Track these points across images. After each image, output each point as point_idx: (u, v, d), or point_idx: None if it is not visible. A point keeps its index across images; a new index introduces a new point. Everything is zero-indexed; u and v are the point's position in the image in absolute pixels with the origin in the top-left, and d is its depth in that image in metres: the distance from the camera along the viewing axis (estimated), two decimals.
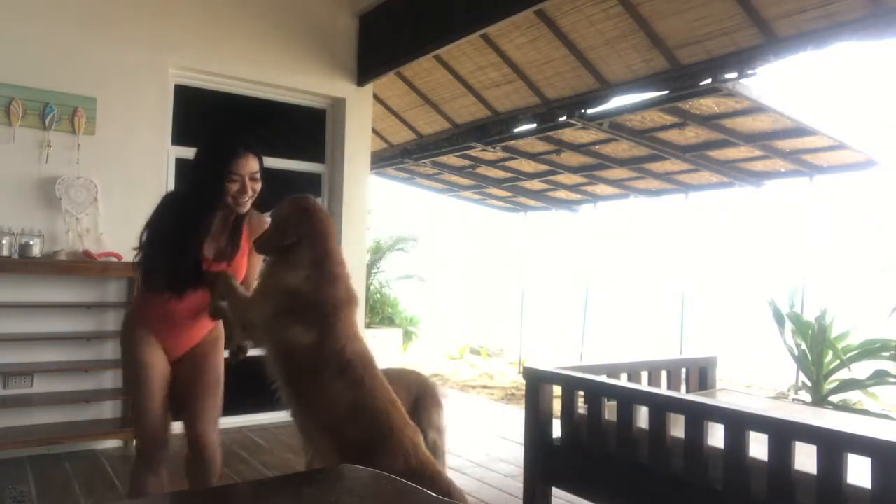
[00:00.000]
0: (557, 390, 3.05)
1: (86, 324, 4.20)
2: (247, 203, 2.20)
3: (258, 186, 2.20)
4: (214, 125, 4.74)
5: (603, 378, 2.98)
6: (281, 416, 4.65)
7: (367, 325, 8.49)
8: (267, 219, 2.39)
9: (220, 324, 2.39)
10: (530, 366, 3.20)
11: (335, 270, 2.00)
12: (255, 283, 2.21)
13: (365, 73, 5.25)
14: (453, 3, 4.38)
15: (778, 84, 4.84)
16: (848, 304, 6.09)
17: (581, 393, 2.99)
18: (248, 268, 2.33)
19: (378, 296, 10.36)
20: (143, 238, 2.19)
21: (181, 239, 2.12)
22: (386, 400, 1.96)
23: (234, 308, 2.09)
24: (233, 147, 2.14)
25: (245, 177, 2.14)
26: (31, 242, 3.90)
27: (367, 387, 1.93)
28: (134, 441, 2.34)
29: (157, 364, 2.25)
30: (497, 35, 5.16)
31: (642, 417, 2.69)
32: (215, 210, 2.19)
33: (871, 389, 5.36)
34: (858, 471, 2.03)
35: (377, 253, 10.38)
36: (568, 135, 6.33)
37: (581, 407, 2.99)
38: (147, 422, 2.22)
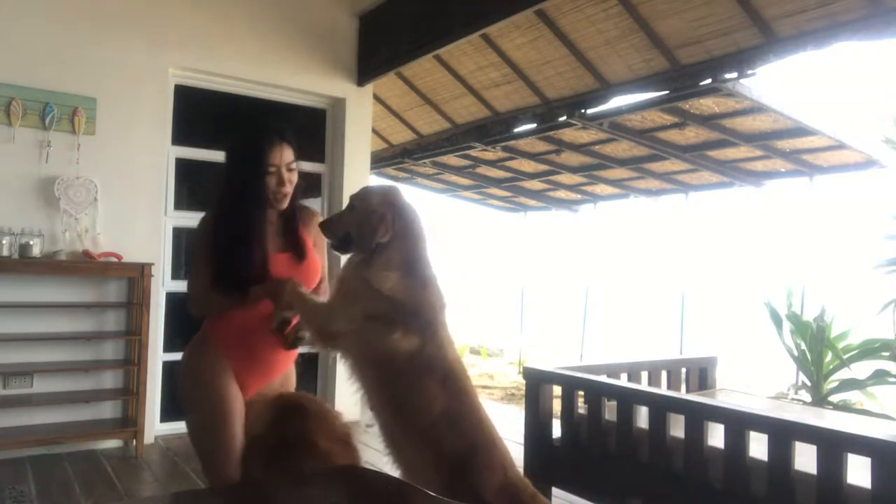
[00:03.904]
0: (557, 390, 3.05)
1: (86, 324, 4.20)
2: (286, 198, 2.03)
3: (295, 178, 2.04)
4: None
5: (603, 378, 2.99)
6: None
7: None
8: (317, 210, 2.24)
9: (292, 365, 2.18)
10: (530, 366, 3.21)
11: (428, 273, 1.85)
12: (330, 287, 2.01)
13: (365, 73, 5.25)
14: (453, 3, 4.38)
15: (778, 84, 4.84)
16: (848, 304, 6.10)
17: (581, 393, 3.00)
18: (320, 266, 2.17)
19: None
20: (194, 259, 2.03)
21: (242, 241, 1.97)
22: (483, 411, 1.84)
23: (310, 316, 1.90)
24: (266, 137, 2.00)
25: (281, 168, 1.99)
26: (31, 242, 3.90)
27: (470, 395, 1.81)
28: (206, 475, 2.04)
29: (238, 398, 2.00)
30: (497, 35, 5.16)
31: (642, 417, 2.70)
32: (264, 206, 2.03)
33: (870, 389, 5.36)
34: (858, 471, 2.03)
35: None
36: (568, 135, 6.32)
37: (581, 407, 2.99)
38: (227, 467, 1.92)
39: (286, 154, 2.01)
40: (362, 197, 1.92)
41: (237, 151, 2.07)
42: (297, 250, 2.08)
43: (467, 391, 1.82)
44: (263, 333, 2.02)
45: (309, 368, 5.15)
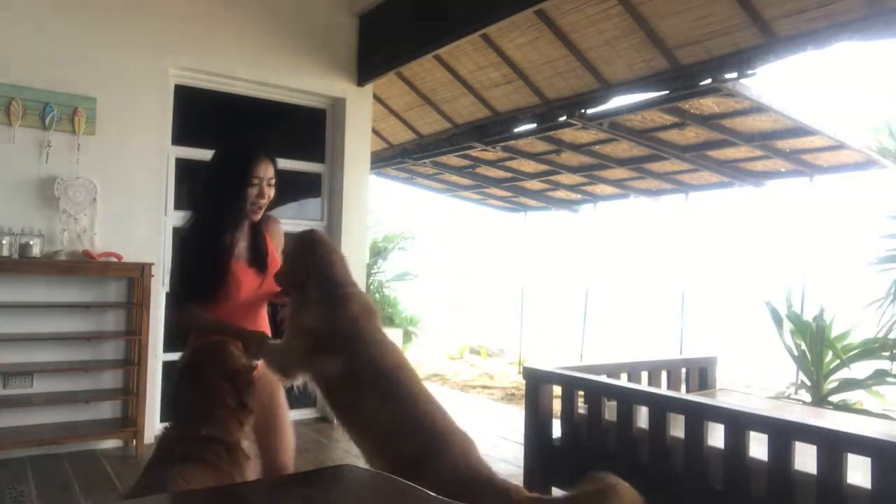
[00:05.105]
0: (557, 390, 3.05)
1: (86, 324, 4.20)
2: (261, 210, 2.19)
3: (272, 193, 2.20)
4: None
5: (603, 378, 2.98)
6: None
7: None
8: (277, 217, 2.39)
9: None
10: (530, 366, 3.21)
11: (343, 292, 2.00)
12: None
13: (365, 73, 5.25)
14: (453, 3, 4.38)
15: (778, 84, 4.84)
16: (848, 304, 6.10)
17: (581, 393, 3.00)
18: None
19: (378, 296, 10.37)
20: (176, 271, 2.20)
21: (214, 245, 2.11)
22: (428, 402, 1.90)
23: (271, 360, 2.08)
24: (253, 151, 2.16)
25: (263, 181, 2.15)
26: (31, 242, 3.90)
27: (403, 391, 1.87)
28: None
29: None
30: (497, 35, 5.15)
31: (642, 417, 2.70)
32: (242, 216, 2.17)
33: (871, 389, 5.36)
34: (858, 471, 2.03)
35: (377, 253, 10.38)
36: (568, 135, 6.32)
37: (581, 407, 2.99)
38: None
39: (269, 169, 2.17)
40: (288, 246, 2.17)
41: (226, 161, 2.20)
42: (262, 264, 2.22)
43: (399, 386, 1.87)
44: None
45: None
